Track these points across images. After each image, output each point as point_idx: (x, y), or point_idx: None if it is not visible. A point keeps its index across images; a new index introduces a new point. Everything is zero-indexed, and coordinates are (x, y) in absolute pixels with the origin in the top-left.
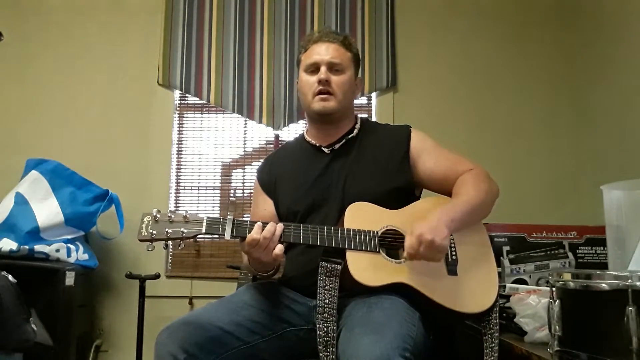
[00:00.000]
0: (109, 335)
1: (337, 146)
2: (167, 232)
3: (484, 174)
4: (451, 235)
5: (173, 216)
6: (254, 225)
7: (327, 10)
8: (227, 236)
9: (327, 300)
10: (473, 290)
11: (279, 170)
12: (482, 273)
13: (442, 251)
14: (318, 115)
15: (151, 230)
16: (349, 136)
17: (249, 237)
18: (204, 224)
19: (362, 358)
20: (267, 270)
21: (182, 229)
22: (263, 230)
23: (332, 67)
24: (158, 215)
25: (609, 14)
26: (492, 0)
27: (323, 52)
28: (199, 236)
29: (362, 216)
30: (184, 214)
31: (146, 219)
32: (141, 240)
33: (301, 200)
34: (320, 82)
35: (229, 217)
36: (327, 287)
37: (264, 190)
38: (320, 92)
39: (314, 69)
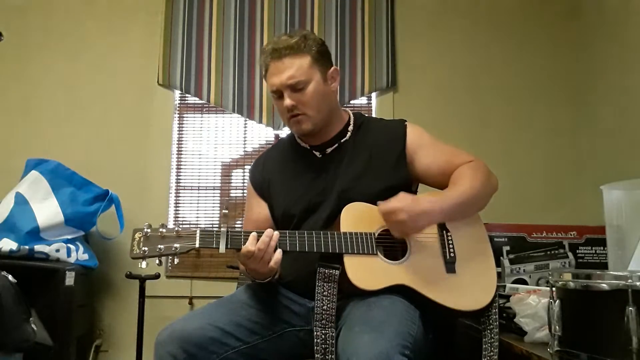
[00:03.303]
0: (109, 335)
1: (328, 150)
2: (159, 248)
3: (481, 166)
4: (449, 232)
5: (164, 231)
6: (248, 236)
7: (327, 10)
8: (222, 249)
9: (325, 307)
10: (472, 287)
11: (272, 172)
12: (481, 269)
13: (404, 235)
14: (301, 136)
15: (143, 248)
16: (342, 140)
17: (244, 248)
18: (197, 238)
19: (362, 356)
20: (264, 278)
21: (174, 245)
22: (258, 241)
23: (294, 88)
24: (149, 231)
25: (609, 14)
26: (492, 0)
27: (279, 74)
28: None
29: (358, 217)
30: (177, 229)
31: (137, 235)
32: (133, 258)
33: (297, 204)
34: (287, 109)
35: (222, 229)
36: (325, 293)
37: (258, 193)
38: (292, 117)
39: (278, 95)
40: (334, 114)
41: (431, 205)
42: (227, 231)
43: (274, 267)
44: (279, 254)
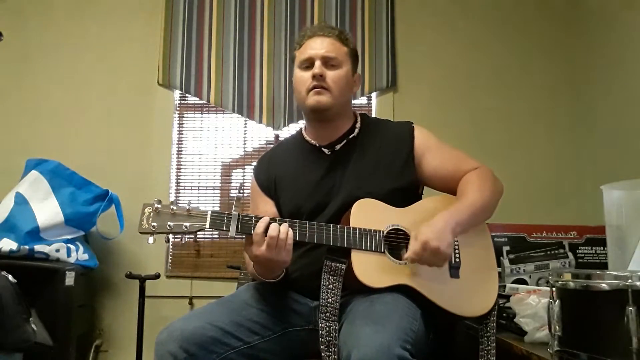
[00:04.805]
0: (109, 335)
1: (337, 147)
2: (169, 225)
3: (488, 173)
4: (455, 238)
5: (175, 208)
6: (259, 220)
7: (327, 11)
8: (232, 232)
9: (329, 300)
10: (473, 293)
11: (278, 170)
12: (483, 276)
13: (446, 258)
14: (313, 113)
15: (152, 223)
16: (350, 136)
17: (255, 231)
18: (208, 219)
19: (363, 347)
20: (275, 275)
21: (184, 223)
22: (269, 226)
23: (327, 62)
24: (159, 206)
25: (609, 15)
26: (492, 1)
27: (317, 46)
28: (200, 232)
29: (369, 213)
30: (187, 207)
31: (147, 210)
32: (142, 233)
33: (305, 202)
34: (314, 77)
35: (234, 212)
36: (330, 286)
37: (264, 191)
38: (314, 88)
39: (308, 64)
40: (347, 110)
41: (446, 220)
42: (239, 215)
43: (289, 255)
44: (291, 240)
